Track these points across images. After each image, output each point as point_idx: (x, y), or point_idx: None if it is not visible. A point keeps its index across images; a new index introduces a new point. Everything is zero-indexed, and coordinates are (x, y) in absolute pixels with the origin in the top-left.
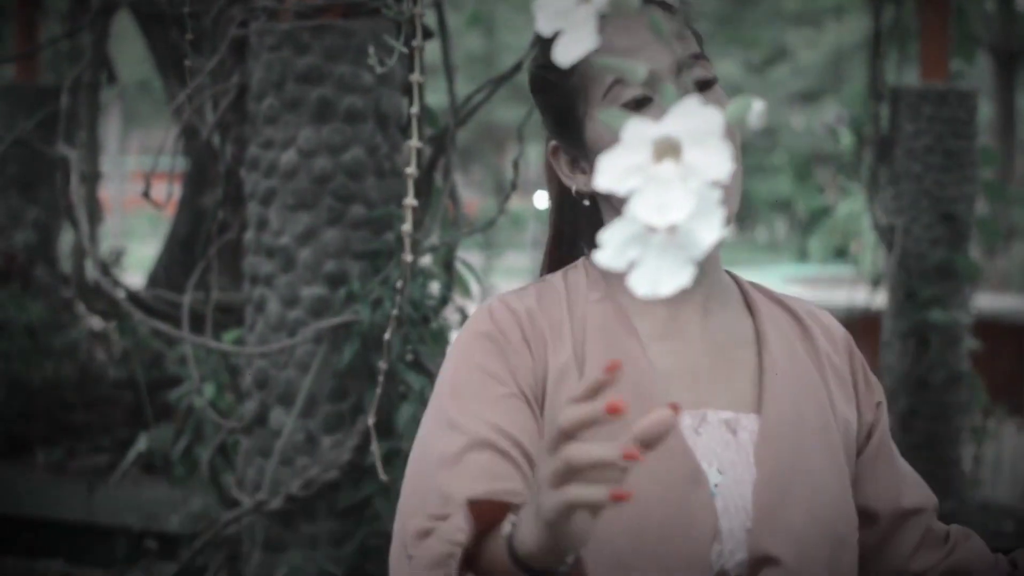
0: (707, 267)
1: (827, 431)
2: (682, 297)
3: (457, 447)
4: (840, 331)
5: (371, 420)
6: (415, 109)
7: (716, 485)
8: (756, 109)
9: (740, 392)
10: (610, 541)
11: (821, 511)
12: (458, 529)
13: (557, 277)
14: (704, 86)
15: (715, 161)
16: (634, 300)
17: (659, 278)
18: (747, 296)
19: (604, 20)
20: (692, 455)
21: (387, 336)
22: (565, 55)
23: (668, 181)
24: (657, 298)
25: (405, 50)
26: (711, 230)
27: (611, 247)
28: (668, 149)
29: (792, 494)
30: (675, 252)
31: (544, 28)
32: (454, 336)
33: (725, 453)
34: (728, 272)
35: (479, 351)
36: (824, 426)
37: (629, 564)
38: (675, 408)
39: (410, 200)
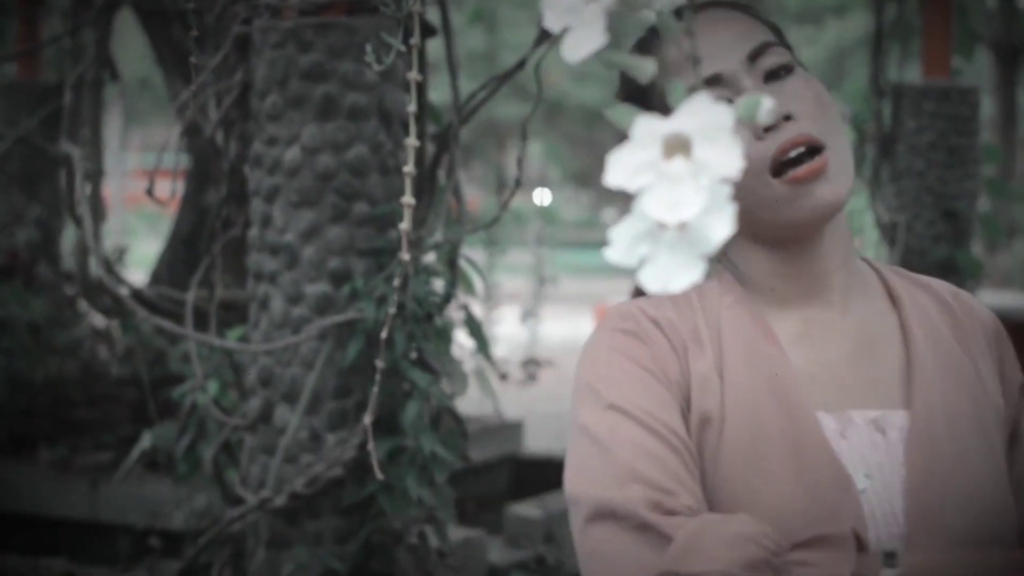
0: (842, 260)
1: (983, 424)
2: (818, 294)
3: (631, 433)
4: (986, 313)
5: (368, 419)
6: (413, 107)
7: (863, 491)
8: (765, 107)
9: (886, 389)
10: None
11: (981, 513)
12: (770, 538)
13: (712, 283)
14: (778, 73)
15: (725, 158)
16: (770, 302)
17: (670, 275)
18: (888, 284)
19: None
20: (838, 461)
21: (384, 335)
22: (573, 53)
23: (678, 178)
24: (793, 301)
25: (404, 48)
26: (722, 227)
27: (621, 244)
28: (678, 146)
29: (948, 496)
30: (686, 249)
31: (552, 25)
32: (459, 335)
33: (873, 455)
34: (865, 260)
35: (630, 347)
36: (979, 418)
37: None
38: None
39: (408, 198)
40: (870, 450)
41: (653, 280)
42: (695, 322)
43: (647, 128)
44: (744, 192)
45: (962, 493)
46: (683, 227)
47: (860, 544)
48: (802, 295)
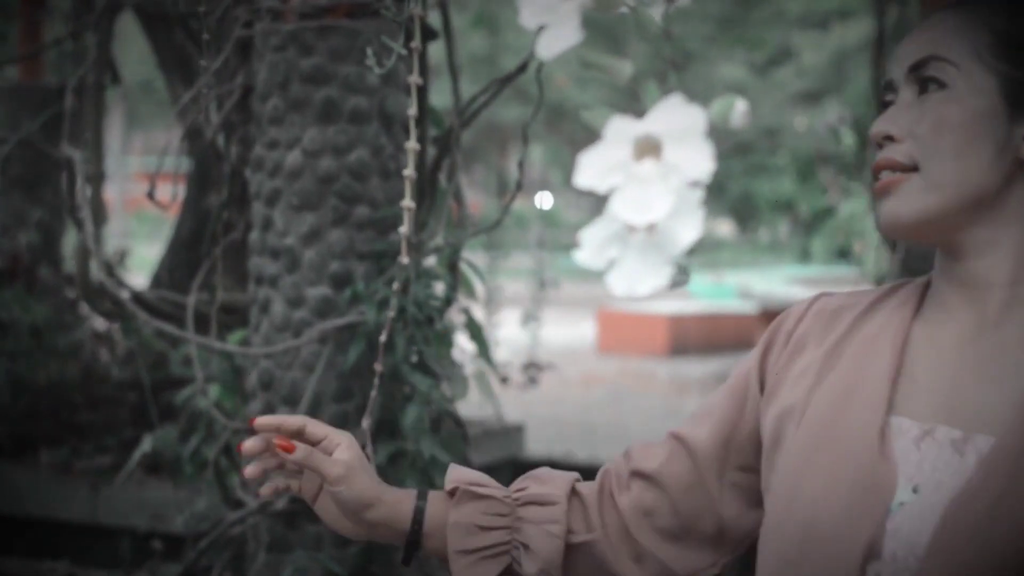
0: (1010, 277)
1: None
2: (974, 305)
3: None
4: None
5: (366, 423)
6: (414, 111)
7: (901, 504)
8: (739, 109)
9: (992, 414)
10: (781, 536)
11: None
12: None
13: (915, 282)
14: (927, 87)
15: (696, 160)
16: (937, 305)
17: (637, 278)
18: None
19: None
20: (883, 464)
21: (383, 339)
22: (548, 49)
23: (648, 179)
24: (953, 308)
25: (405, 52)
26: (691, 230)
27: (590, 246)
28: (649, 147)
29: (987, 537)
30: (654, 252)
31: (527, 22)
32: (460, 338)
33: (936, 474)
34: None
35: (759, 344)
36: None
37: (795, 562)
38: None
39: (407, 202)
40: (938, 468)
41: (620, 283)
42: (848, 317)
43: (618, 128)
44: None
45: (999, 543)
46: (652, 229)
47: (873, 552)
48: (962, 303)
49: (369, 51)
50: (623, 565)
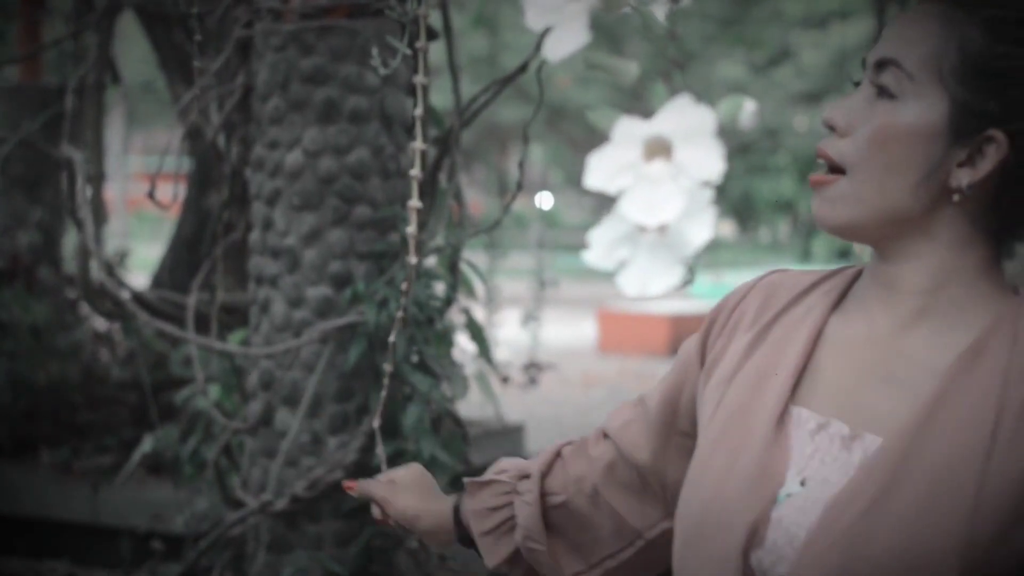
0: (931, 286)
1: (963, 508)
2: (893, 307)
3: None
4: None
5: (376, 423)
6: (419, 111)
7: (788, 495)
8: (748, 109)
9: (886, 415)
10: (686, 514)
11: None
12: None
13: (848, 272)
14: (880, 92)
15: (706, 160)
16: (860, 298)
17: (649, 279)
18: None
19: None
20: (775, 453)
21: (392, 338)
22: (555, 51)
23: (658, 180)
24: (873, 304)
25: (409, 52)
26: (703, 230)
27: (600, 246)
28: (659, 148)
29: (861, 539)
30: (665, 252)
31: (534, 24)
32: (460, 338)
33: (824, 469)
34: None
35: (706, 318)
36: (961, 481)
37: (692, 541)
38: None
39: (415, 202)
40: (826, 462)
41: (632, 283)
42: (782, 299)
43: (627, 129)
44: None
45: (876, 545)
46: (663, 230)
47: (756, 540)
48: (878, 303)
49: (375, 51)
50: (598, 519)
